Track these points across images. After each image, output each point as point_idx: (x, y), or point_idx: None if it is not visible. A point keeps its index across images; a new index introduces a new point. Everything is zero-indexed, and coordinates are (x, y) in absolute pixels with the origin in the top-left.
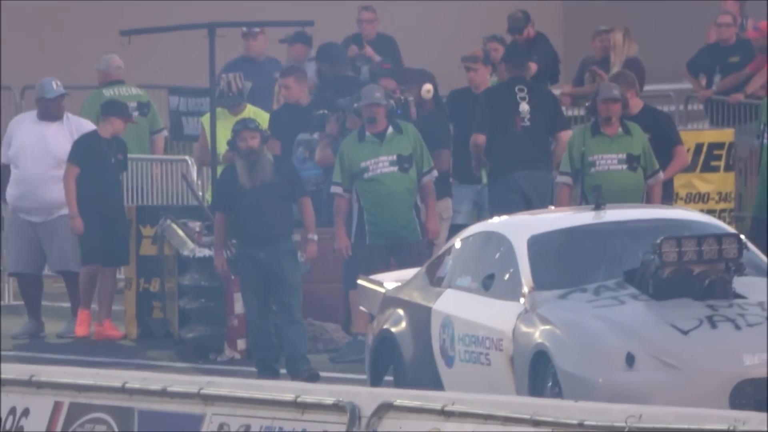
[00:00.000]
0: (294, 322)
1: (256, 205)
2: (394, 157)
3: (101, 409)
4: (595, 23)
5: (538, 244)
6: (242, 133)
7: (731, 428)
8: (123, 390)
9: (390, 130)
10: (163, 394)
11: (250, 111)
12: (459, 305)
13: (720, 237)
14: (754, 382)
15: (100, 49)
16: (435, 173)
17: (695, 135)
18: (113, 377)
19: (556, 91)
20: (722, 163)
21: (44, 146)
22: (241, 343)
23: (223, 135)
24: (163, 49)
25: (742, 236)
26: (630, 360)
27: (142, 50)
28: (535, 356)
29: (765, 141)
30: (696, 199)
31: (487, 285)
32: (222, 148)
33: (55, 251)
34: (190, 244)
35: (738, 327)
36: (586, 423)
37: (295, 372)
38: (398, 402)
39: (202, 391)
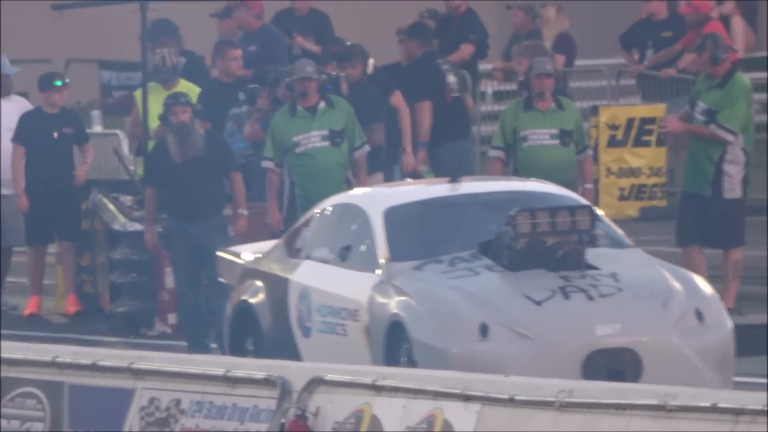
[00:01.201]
0: (225, 296)
1: (186, 180)
2: (326, 132)
3: (31, 383)
4: None
5: (394, 216)
6: (173, 107)
7: (661, 403)
8: (53, 364)
9: (322, 104)
10: (94, 368)
11: (183, 86)
12: (316, 276)
13: (573, 209)
14: (606, 353)
15: (32, 24)
16: (367, 148)
17: (627, 110)
18: (43, 351)
19: (488, 66)
20: (654, 138)
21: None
22: (172, 318)
23: (156, 110)
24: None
25: (595, 208)
26: (484, 330)
27: (73, 25)
28: (391, 327)
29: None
30: (628, 173)
31: (344, 256)
32: (154, 122)
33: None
34: (121, 219)
35: (590, 298)
36: (516, 398)
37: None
38: (329, 377)
39: (133, 366)
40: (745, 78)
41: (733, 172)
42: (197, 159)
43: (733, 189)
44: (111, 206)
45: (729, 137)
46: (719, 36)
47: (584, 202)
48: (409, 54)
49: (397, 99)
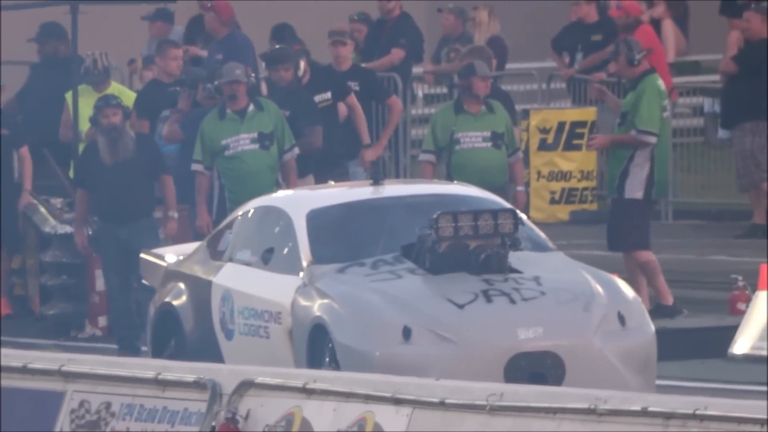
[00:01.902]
0: None
1: (117, 182)
2: (255, 135)
3: None
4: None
5: (317, 219)
6: (104, 109)
7: (592, 407)
8: None
9: (251, 107)
10: (24, 371)
11: (115, 88)
12: (239, 279)
13: (496, 212)
14: (528, 356)
15: None
16: (296, 150)
17: (558, 113)
18: None
19: (419, 70)
20: (584, 142)
21: None
22: (102, 320)
23: (87, 112)
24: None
25: (518, 211)
26: (406, 333)
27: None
28: (313, 329)
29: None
30: (558, 177)
31: (267, 259)
32: (85, 125)
33: None
34: (52, 221)
35: (513, 301)
36: (447, 401)
37: None
38: (259, 379)
39: (63, 368)
40: (657, 80)
41: (636, 173)
42: (128, 161)
43: (633, 190)
44: (41, 208)
45: (652, 139)
46: (632, 39)
47: (507, 205)
48: (340, 56)
49: (352, 99)
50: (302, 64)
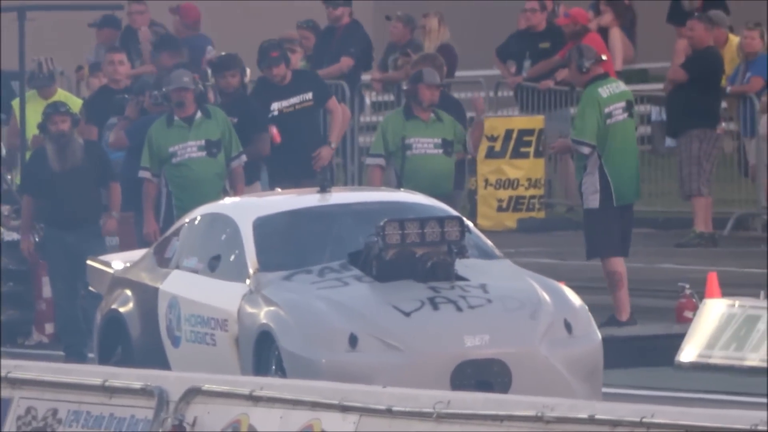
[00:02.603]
0: None
1: (65, 189)
2: (203, 142)
3: None
4: (406, 8)
5: (264, 226)
6: (53, 116)
7: (539, 414)
8: None
9: (199, 114)
10: None
11: (61, 95)
12: (185, 286)
13: (442, 220)
14: (474, 363)
15: None
16: (244, 158)
17: (505, 121)
18: None
19: (368, 77)
20: (532, 150)
21: None
22: (49, 327)
23: (34, 119)
24: None
25: (465, 219)
26: (353, 341)
27: None
28: (260, 337)
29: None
30: (506, 185)
31: (213, 266)
32: (32, 131)
33: None
34: None
35: (459, 309)
36: (394, 409)
37: None
38: (206, 387)
39: (10, 375)
40: (597, 88)
41: (589, 182)
42: (76, 168)
43: (588, 199)
44: None
45: (584, 149)
46: (585, 46)
47: (454, 212)
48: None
49: (333, 103)
50: (248, 71)
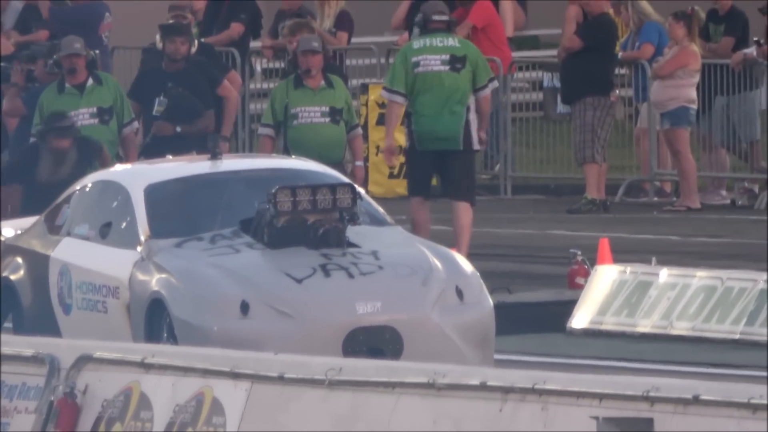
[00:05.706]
0: None
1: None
2: (95, 109)
3: None
4: None
5: (155, 193)
6: (55, 134)
7: (431, 381)
8: None
9: (90, 81)
10: None
11: None
12: (76, 253)
13: (334, 187)
14: (366, 330)
15: None
16: (136, 125)
17: None
18: None
19: (258, 44)
20: None
21: None
22: None
23: None
24: None
25: (356, 186)
26: (244, 308)
27: None
28: (151, 304)
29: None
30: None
31: (105, 233)
32: None
33: None
34: None
35: (351, 276)
36: (286, 376)
37: None
38: (98, 354)
39: None
40: (414, 40)
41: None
42: (62, 181)
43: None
44: None
45: (396, 98)
46: (431, 3)
47: (345, 180)
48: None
49: (225, 88)
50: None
